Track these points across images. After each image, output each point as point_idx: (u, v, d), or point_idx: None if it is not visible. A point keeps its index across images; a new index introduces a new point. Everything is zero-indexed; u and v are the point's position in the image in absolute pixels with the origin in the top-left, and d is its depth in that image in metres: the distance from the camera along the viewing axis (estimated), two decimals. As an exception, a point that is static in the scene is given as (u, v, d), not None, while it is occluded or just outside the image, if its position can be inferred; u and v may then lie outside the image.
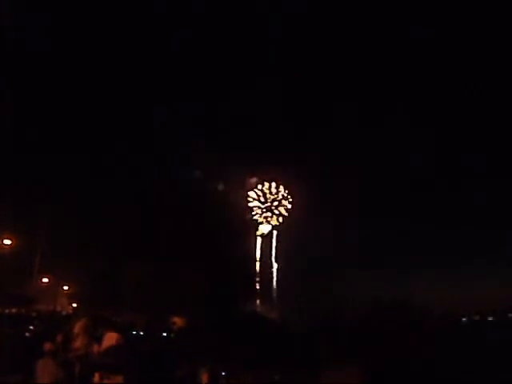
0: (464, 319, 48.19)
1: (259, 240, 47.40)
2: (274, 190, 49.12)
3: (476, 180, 46.44)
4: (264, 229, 48.35)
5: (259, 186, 48.77)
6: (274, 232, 48.27)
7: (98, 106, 37.71)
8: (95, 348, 7.55)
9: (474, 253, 48.42)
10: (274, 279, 44.38)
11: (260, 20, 40.71)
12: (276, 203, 48.57)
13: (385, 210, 45.87)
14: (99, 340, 6.69)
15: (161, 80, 40.73)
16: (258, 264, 45.05)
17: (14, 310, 31.40)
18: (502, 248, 48.60)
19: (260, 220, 48.14)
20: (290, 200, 48.77)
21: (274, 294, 43.89)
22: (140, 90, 38.89)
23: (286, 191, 49.05)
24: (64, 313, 35.02)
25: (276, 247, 47.69)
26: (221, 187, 40.85)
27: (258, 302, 37.74)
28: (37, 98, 34.63)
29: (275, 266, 46.49)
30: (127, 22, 38.14)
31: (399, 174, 44.99)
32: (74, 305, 35.79)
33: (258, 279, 39.98)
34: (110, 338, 6.15)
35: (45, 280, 36.92)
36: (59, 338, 10.41)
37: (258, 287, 38.59)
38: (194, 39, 42.01)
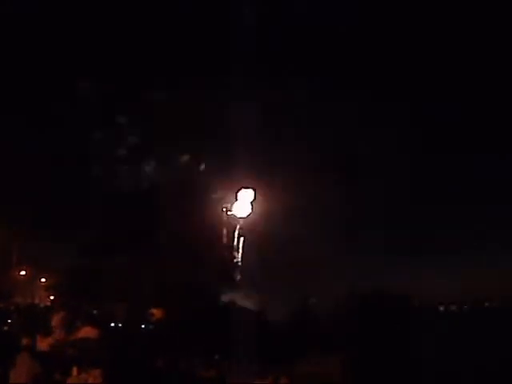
0: (441, 308, 49.07)
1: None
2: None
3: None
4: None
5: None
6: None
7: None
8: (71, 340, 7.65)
9: (448, 245, 49.39)
10: (247, 267, 43.50)
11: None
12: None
13: (364, 196, 46.18)
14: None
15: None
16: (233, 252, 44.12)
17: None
18: (476, 241, 49.73)
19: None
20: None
21: (249, 283, 43.36)
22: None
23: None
24: (42, 305, 34.71)
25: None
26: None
27: (235, 291, 37.65)
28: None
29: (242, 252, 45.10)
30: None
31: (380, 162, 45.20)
32: (52, 297, 35.49)
33: (233, 267, 39.73)
34: (85, 332, 6.27)
35: (22, 273, 36.54)
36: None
37: (234, 276, 38.38)
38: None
